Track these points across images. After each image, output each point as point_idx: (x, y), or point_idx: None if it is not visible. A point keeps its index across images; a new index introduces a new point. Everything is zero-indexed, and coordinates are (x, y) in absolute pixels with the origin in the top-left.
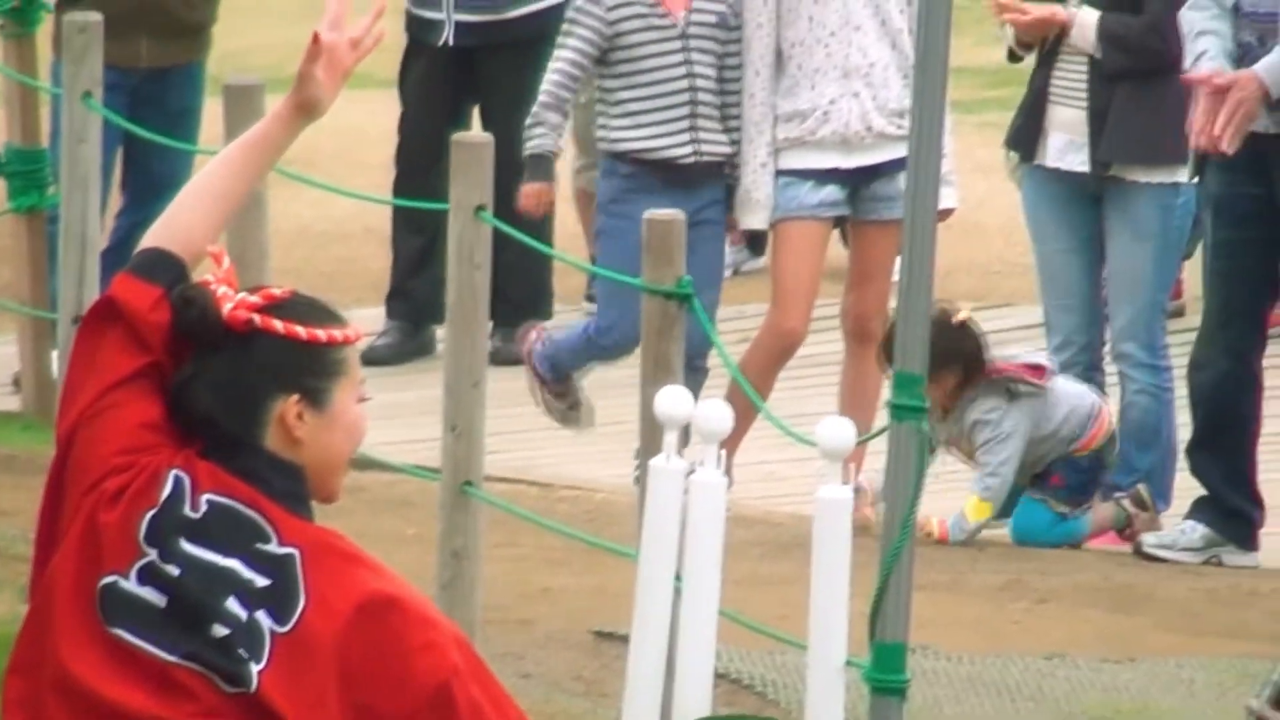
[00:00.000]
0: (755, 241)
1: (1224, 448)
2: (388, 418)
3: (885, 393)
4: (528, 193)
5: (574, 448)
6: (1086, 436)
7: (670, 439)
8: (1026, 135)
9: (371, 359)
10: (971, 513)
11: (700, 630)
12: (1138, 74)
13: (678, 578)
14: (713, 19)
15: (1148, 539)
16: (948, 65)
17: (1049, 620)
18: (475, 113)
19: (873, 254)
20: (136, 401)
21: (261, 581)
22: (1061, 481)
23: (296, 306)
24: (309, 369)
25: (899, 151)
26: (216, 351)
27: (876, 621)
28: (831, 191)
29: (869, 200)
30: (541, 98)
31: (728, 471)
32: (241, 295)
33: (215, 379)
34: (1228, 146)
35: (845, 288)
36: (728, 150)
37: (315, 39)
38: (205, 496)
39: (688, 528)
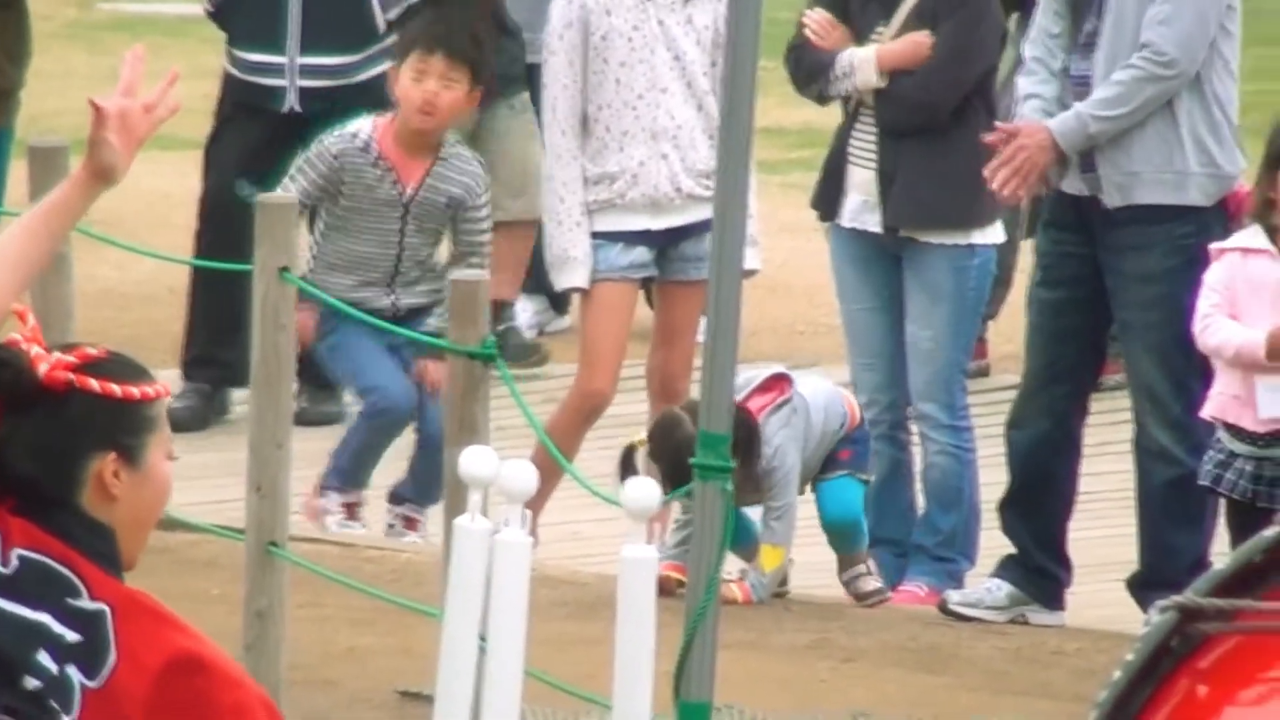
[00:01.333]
0: (559, 301)
1: (1035, 508)
2: (192, 478)
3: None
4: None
5: (379, 506)
6: (848, 417)
7: (475, 499)
8: (826, 195)
9: (171, 422)
10: (767, 563)
11: (505, 690)
12: (912, 130)
13: (482, 638)
14: (443, 200)
15: (953, 596)
16: (753, 126)
17: (855, 679)
18: None
19: (679, 314)
20: None
21: (72, 636)
22: (849, 454)
23: (110, 365)
24: (125, 427)
25: (706, 212)
26: (31, 411)
27: (681, 680)
28: (641, 253)
29: (676, 260)
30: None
31: (533, 531)
32: (56, 355)
33: (32, 439)
34: (1006, 193)
35: (651, 348)
36: (424, 301)
37: (96, 107)
38: (16, 552)
39: (492, 588)
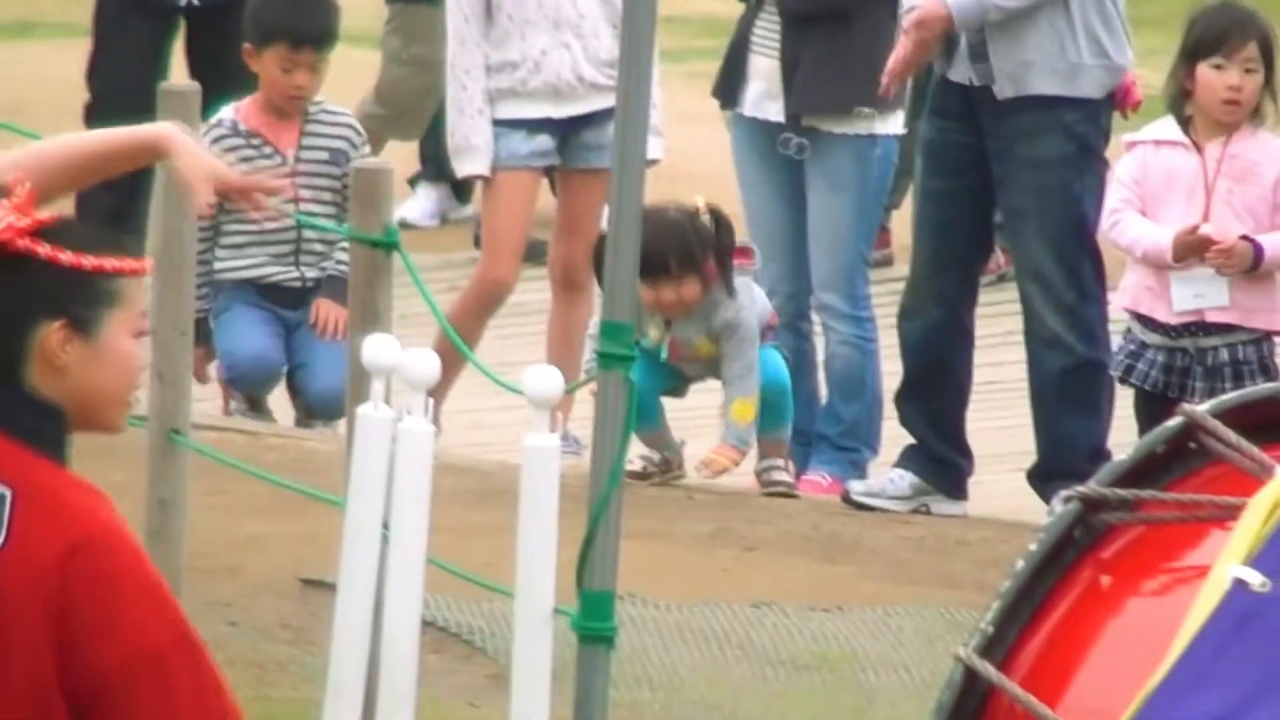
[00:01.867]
0: (461, 189)
1: (932, 397)
2: None
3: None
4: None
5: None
6: (770, 316)
7: (378, 387)
8: (727, 83)
9: None
10: (741, 415)
11: (407, 578)
12: (815, 18)
13: (385, 526)
14: (324, 155)
15: (855, 487)
16: (655, 15)
17: (757, 568)
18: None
19: (581, 203)
20: None
21: None
22: (770, 338)
23: (68, 232)
24: (76, 296)
25: (609, 101)
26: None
27: (584, 569)
28: (543, 141)
29: (578, 149)
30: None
31: (435, 420)
32: (10, 219)
33: None
34: (892, 84)
35: (553, 237)
36: (334, 273)
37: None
38: None
39: (395, 476)
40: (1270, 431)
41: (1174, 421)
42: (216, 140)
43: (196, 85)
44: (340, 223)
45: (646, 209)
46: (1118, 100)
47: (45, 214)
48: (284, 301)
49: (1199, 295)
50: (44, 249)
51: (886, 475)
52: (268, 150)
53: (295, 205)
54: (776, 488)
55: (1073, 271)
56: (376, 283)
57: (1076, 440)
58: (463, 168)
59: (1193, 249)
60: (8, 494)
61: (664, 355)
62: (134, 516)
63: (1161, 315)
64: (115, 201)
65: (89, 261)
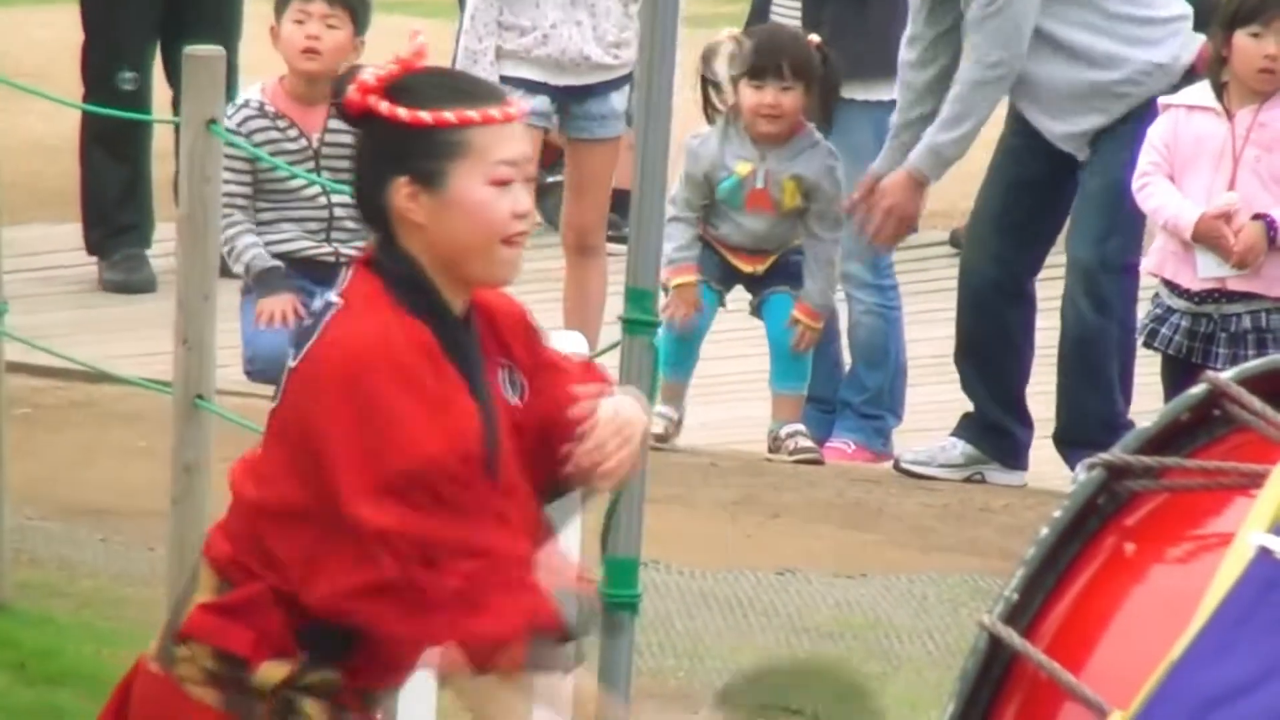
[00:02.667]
0: None
1: (987, 360)
2: (119, 331)
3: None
4: (275, 304)
5: None
6: None
7: None
8: None
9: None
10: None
11: None
12: None
13: None
14: (348, 138)
15: (906, 455)
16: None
17: (781, 536)
18: None
19: (588, 170)
20: None
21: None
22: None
23: (415, 86)
24: (416, 151)
25: (610, 75)
26: (354, 136)
27: (608, 536)
28: (542, 102)
29: (581, 119)
30: (226, 231)
31: None
32: (366, 75)
33: (354, 165)
34: (879, 241)
35: (564, 203)
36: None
37: None
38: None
39: None
40: None
41: (1198, 388)
42: (243, 122)
43: (221, 50)
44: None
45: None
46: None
47: (398, 68)
48: (319, 277)
49: (1222, 263)
50: (383, 107)
51: (939, 443)
52: (294, 132)
53: (323, 188)
54: (804, 454)
55: (1098, 239)
56: None
57: (1088, 410)
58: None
59: (1212, 236)
60: (338, 303)
61: (743, 198)
62: (159, 482)
63: (1186, 281)
64: (126, 174)
65: (427, 116)
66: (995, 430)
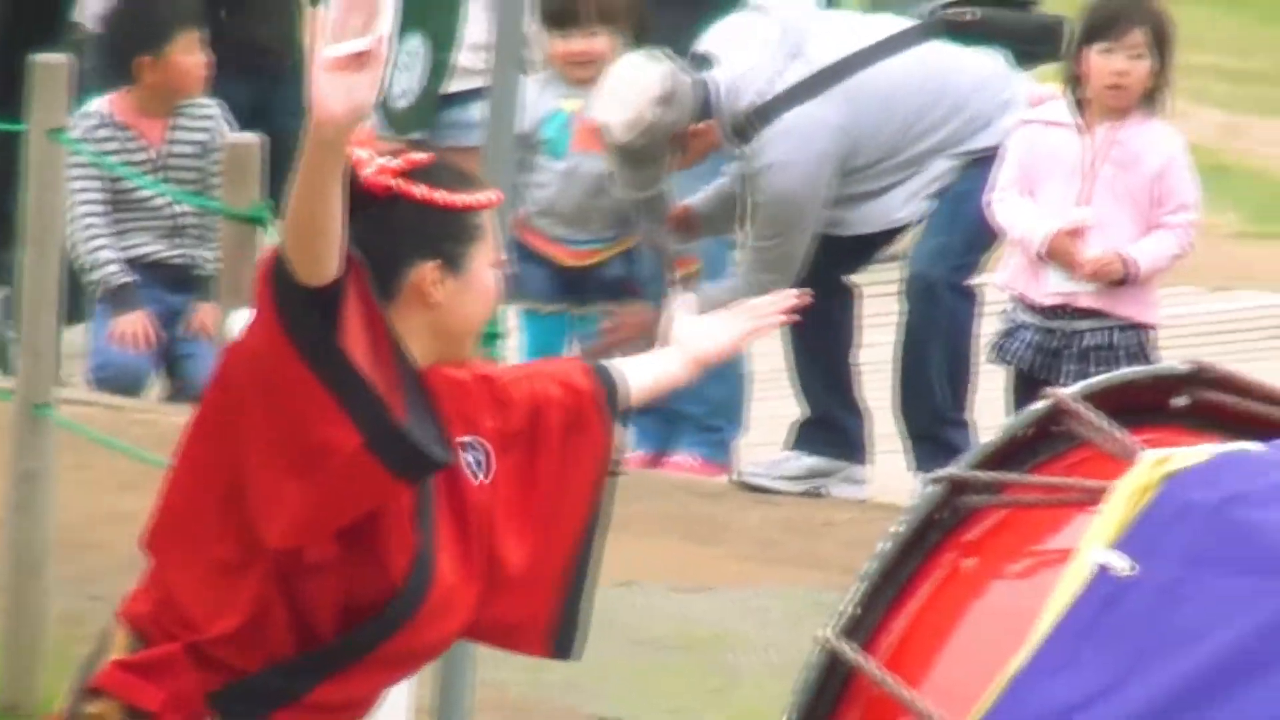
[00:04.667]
0: None
1: (823, 365)
2: None
3: None
4: (128, 324)
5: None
6: None
7: None
8: None
9: None
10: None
11: None
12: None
13: None
14: (189, 149)
15: (746, 468)
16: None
17: (623, 547)
18: None
19: None
20: None
21: None
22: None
23: (436, 171)
24: (448, 234)
25: (475, 82)
26: (358, 214)
27: None
28: None
29: (447, 126)
30: (87, 243)
31: None
32: (382, 160)
33: (358, 241)
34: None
35: None
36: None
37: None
38: None
39: None
40: (1137, 415)
41: (1041, 404)
42: (86, 132)
43: (65, 58)
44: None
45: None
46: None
47: (415, 156)
48: (168, 281)
49: (1070, 279)
50: (420, 190)
51: (779, 456)
52: (137, 143)
53: (166, 197)
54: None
55: (942, 248)
56: (245, 257)
57: (921, 419)
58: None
59: (1062, 253)
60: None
61: (570, 139)
62: (1, 491)
63: (1035, 296)
64: None
65: (461, 200)
66: (831, 429)
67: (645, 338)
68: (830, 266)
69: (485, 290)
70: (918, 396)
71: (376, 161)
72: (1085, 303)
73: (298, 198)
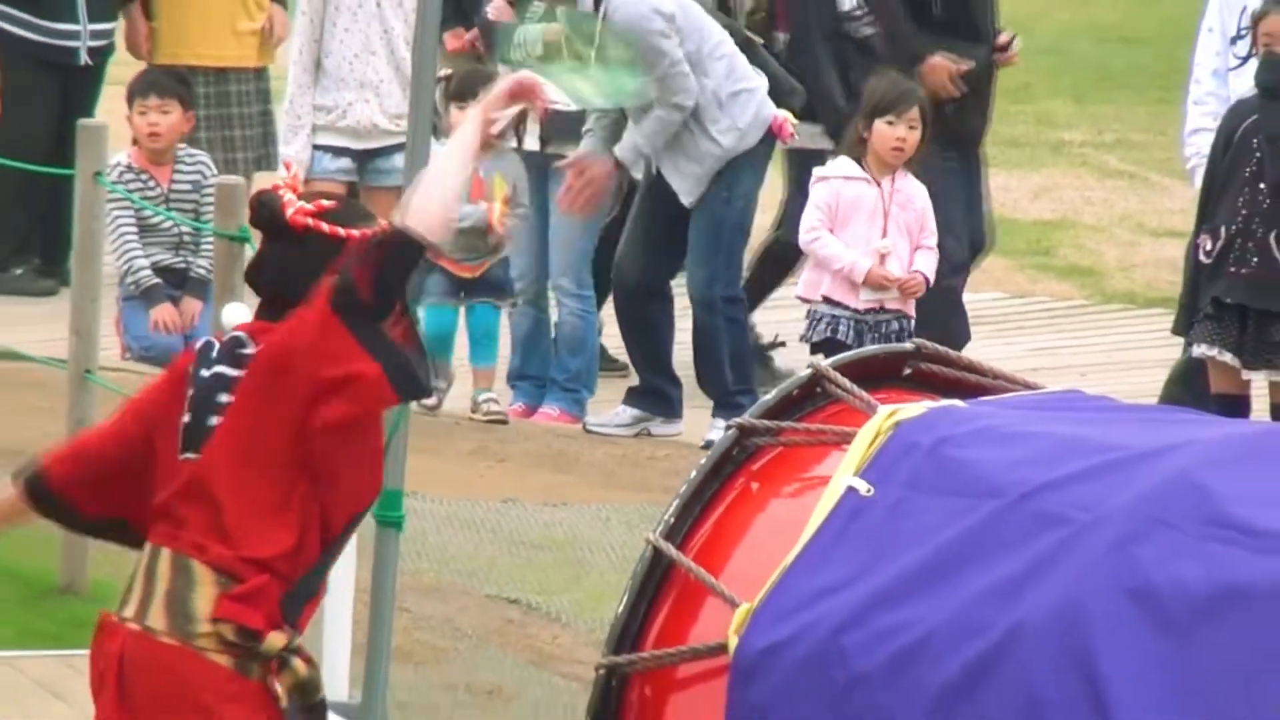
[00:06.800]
0: None
1: (645, 340)
2: (32, 324)
3: None
4: (163, 313)
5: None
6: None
7: None
8: None
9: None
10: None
11: None
12: None
13: None
14: (187, 186)
15: (591, 420)
16: (434, 80)
17: (506, 476)
18: None
19: (378, 209)
20: None
21: (236, 373)
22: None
23: (339, 213)
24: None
25: (395, 140)
26: (280, 241)
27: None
28: (345, 162)
29: (373, 172)
30: (126, 255)
31: None
32: (300, 203)
33: (281, 260)
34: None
35: None
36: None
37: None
38: (231, 334)
39: None
40: (875, 380)
41: (805, 372)
42: (120, 174)
43: (105, 122)
44: (201, 227)
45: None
46: (775, 133)
47: (323, 202)
48: (173, 281)
49: (877, 292)
50: (326, 225)
51: (614, 410)
52: (153, 183)
53: (173, 224)
54: (494, 415)
55: (709, 283)
56: (232, 267)
57: (710, 384)
58: (284, 174)
59: (878, 283)
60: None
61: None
62: (59, 433)
63: (852, 303)
64: (28, 219)
65: (355, 234)
66: (654, 393)
67: (604, 186)
68: (656, 271)
69: None
70: (711, 381)
71: (297, 204)
72: (891, 305)
73: None
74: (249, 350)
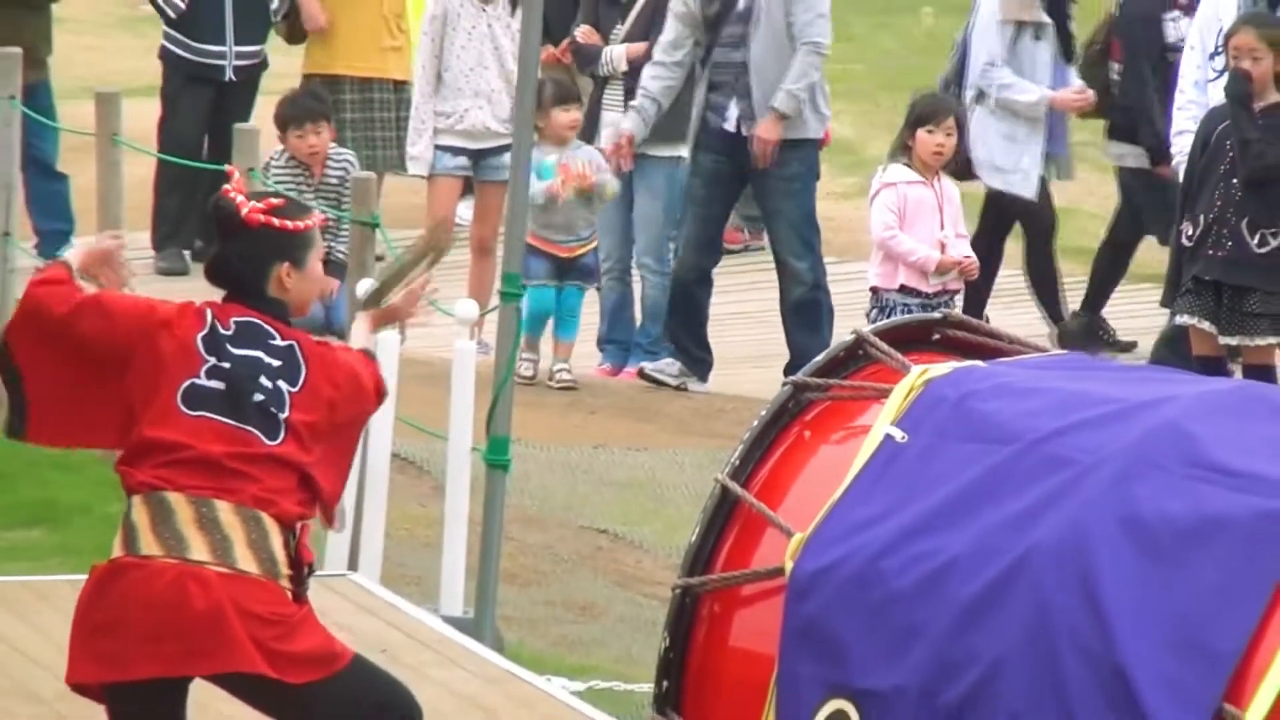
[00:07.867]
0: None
1: (689, 320)
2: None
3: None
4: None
5: None
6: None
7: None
8: (590, 124)
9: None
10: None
11: (382, 426)
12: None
13: None
14: (334, 179)
15: (648, 366)
16: (535, 91)
17: (596, 425)
18: None
19: (488, 200)
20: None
21: (276, 362)
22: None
23: (287, 209)
24: (295, 246)
25: (505, 140)
26: (237, 237)
27: (491, 421)
28: (462, 160)
29: (485, 168)
30: None
31: (401, 331)
32: (253, 203)
33: (239, 254)
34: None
35: (471, 222)
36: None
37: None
38: (232, 319)
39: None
40: (909, 344)
41: (849, 337)
42: (286, 162)
43: (258, 127)
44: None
45: None
46: (824, 140)
47: (273, 200)
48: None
49: (943, 277)
50: (277, 220)
51: (666, 360)
52: (306, 174)
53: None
54: (565, 384)
55: (806, 243)
56: (366, 248)
57: (806, 348)
58: (412, 170)
59: (947, 268)
60: (295, 343)
61: (555, 172)
62: None
63: (924, 288)
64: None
65: (302, 224)
66: (691, 358)
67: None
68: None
69: (318, 277)
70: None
71: (250, 204)
72: (953, 286)
73: None
74: (279, 341)
